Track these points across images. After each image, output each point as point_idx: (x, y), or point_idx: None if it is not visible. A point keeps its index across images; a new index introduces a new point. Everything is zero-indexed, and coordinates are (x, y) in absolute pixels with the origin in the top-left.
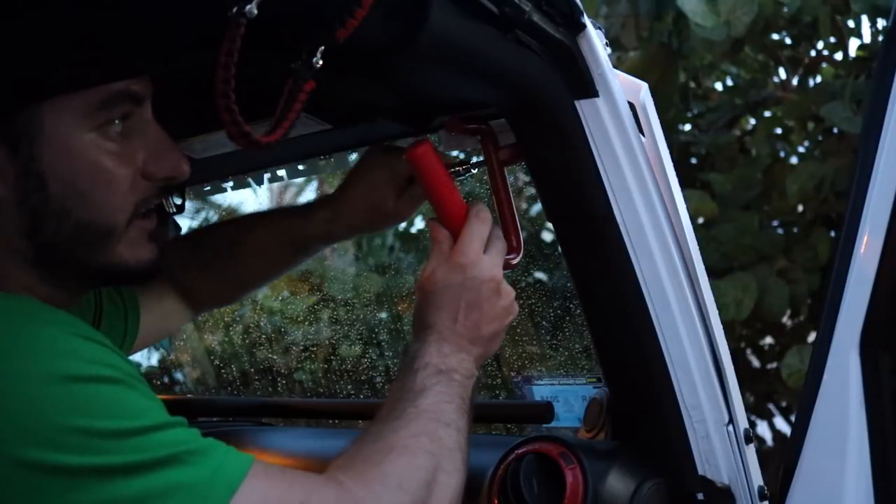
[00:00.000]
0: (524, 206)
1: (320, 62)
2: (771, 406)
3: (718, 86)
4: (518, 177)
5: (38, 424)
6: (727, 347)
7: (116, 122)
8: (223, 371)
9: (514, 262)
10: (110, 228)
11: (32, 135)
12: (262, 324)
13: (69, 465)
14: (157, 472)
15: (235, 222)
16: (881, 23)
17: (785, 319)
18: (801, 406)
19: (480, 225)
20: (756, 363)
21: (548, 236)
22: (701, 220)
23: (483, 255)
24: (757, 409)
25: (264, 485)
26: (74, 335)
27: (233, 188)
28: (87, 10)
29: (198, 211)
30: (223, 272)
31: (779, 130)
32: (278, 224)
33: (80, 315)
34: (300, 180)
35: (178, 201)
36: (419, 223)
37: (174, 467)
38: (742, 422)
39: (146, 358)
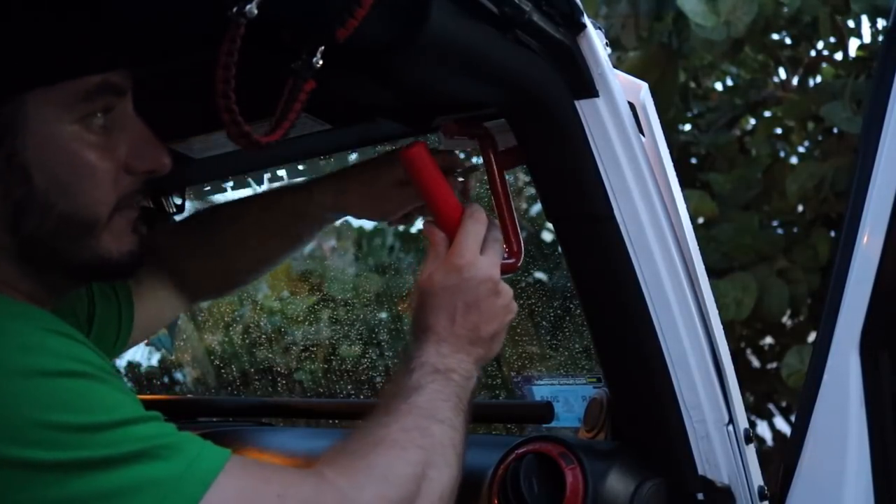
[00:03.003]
0: (524, 206)
1: (320, 62)
2: (771, 406)
3: (718, 86)
4: (518, 177)
5: (5, 419)
6: (727, 347)
7: (98, 115)
8: (223, 371)
9: (515, 266)
10: (93, 222)
11: (16, 128)
12: (262, 324)
13: (38, 460)
14: (128, 467)
15: (234, 203)
16: (881, 23)
17: (785, 319)
18: (801, 406)
19: (476, 225)
20: (756, 363)
21: (548, 236)
22: (701, 220)
23: (480, 256)
24: (757, 409)
25: (240, 479)
26: (43, 329)
27: (233, 188)
28: (70, 5)
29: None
30: (222, 255)
31: (779, 130)
32: (280, 199)
33: (73, 314)
34: (300, 180)
35: (178, 201)
36: (419, 223)
37: (146, 462)
38: (742, 422)
39: (147, 358)
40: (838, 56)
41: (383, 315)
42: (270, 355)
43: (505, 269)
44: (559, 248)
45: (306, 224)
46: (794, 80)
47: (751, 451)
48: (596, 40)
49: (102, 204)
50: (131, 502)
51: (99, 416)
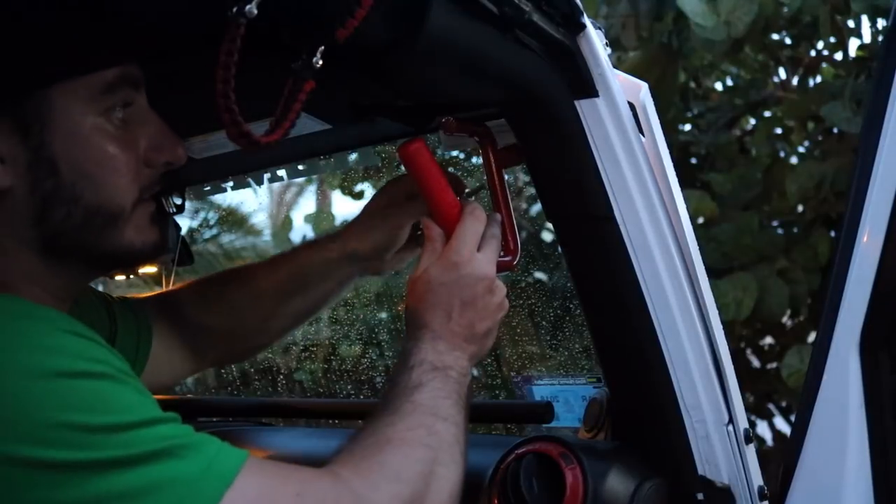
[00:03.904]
0: (524, 206)
1: (320, 62)
2: (771, 406)
3: (718, 86)
4: (518, 177)
5: (25, 420)
6: (727, 347)
7: (118, 108)
8: (223, 371)
9: (512, 264)
10: (118, 212)
11: (42, 121)
12: None
13: (57, 461)
14: (147, 467)
15: (255, 265)
16: (881, 23)
17: (785, 319)
18: (801, 406)
19: (474, 223)
20: (756, 363)
21: (548, 236)
22: (701, 220)
23: (477, 254)
24: (757, 409)
25: (259, 479)
26: (62, 331)
27: (233, 188)
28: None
29: (197, 211)
30: (237, 315)
31: (779, 130)
32: (296, 257)
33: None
34: (300, 180)
35: (178, 201)
36: None
37: (165, 461)
38: (742, 422)
39: None
40: (838, 56)
41: (383, 315)
42: (270, 355)
43: (501, 267)
44: (559, 248)
45: (333, 274)
46: (794, 80)
47: (751, 451)
48: (596, 40)
49: (126, 195)
50: (151, 502)
51: (117, 416)
